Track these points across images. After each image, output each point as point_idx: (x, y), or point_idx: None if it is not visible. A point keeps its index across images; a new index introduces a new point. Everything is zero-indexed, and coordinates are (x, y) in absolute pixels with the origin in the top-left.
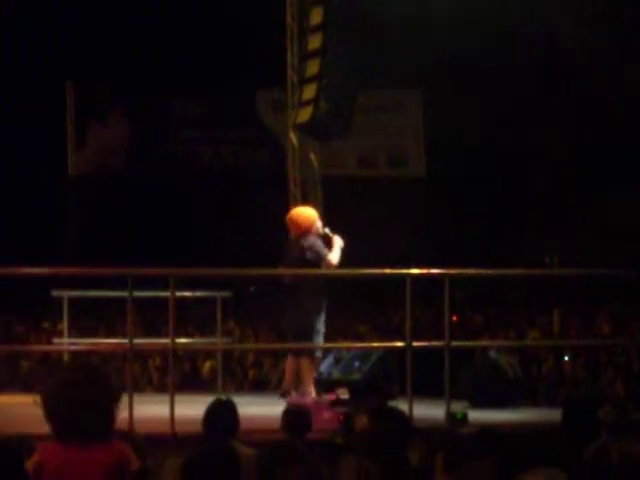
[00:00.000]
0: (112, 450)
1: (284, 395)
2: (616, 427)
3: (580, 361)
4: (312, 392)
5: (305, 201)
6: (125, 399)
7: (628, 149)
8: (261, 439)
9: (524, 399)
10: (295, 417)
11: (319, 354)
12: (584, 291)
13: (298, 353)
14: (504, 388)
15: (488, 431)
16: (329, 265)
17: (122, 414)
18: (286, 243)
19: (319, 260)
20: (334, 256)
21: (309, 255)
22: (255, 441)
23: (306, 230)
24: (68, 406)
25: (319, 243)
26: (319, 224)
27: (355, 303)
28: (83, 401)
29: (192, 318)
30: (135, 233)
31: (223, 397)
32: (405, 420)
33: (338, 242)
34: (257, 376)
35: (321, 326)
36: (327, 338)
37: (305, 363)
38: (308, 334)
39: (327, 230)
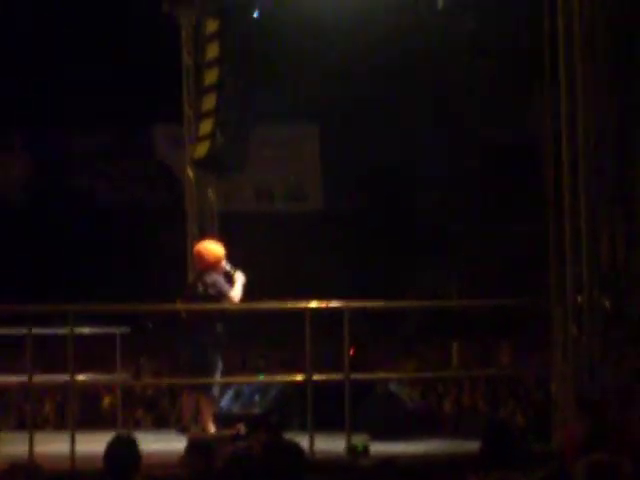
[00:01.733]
0: None
1: (182, 430)
2: (516, 456)
3: (480, 393)
4: (211, 429)
5: (202, 236)
6: (23, 437)
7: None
8: (161, 475)
9: (425, 431)
10: (200, 452)
11: (216, 392)
12: (483, 323)
13: (195, 389)
14: (405, 420)
15: (389, 461)
16: (231, 302)
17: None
18: (190, 276)
19: (220, 297)
20: (236, 292)
21: (211, 291)
22: (156, 477)
23: (211, 265)
24: None
25: (221, 280)
26: (224, 262)
27: (255, 338)
28: None
29: (91, 354)
30: (33, 268)
31: (123, 433)
32: (298, 451)
33: (240, 278)
34: (156, 413)
35: (219, 362)
36: (227, 372)
37: (203, 400)
38: (206, 370)
39: (229, 267)
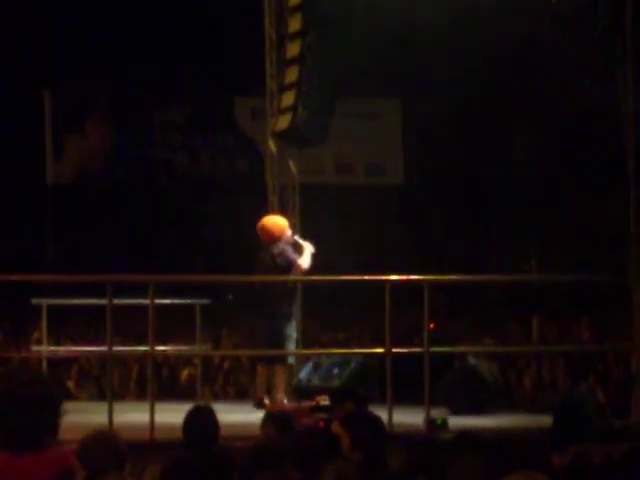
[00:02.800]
0: (52, 460)
1: (259, 404)
2: (597, 432)
3: (559, 368)
4: (283, 399)
5: (283, 208)
6: (104, 406)
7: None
8: (240, 446)
9: (503, 405)
10: (278, 421)
11: (292, 360)
12: (564, 298)
13: (270, 361)
14: (483, 394)
15: (468, 434)
16: (299, 269)
17: (102, 420)
18: (257, 251)
19: (289, 266)
20: (304, 261)
21: (279, 261)
22: (235, 448)
23: (276, 238)
24: (1, 413)
25: (289, 249)
26: (289, 232)
27: (334, 309)
28: (18, 407)
29: (171, 325)
30: (115, 240)
31: (202, 404)
32: (380, 425)
33: (309, 248)
34: (236, 384)
35: (292, 332)
36: (306, 345)
37: (277, 370)
38: (279, 341)
39: (297, 237)
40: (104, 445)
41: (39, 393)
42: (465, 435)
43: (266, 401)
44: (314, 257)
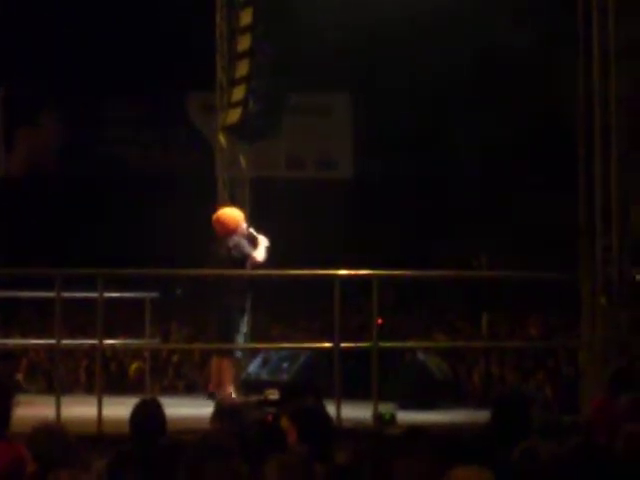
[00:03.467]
0: (2, 451)
1: (212, 395)
2: (544, 428)
3: (509, 364)
4: (231, 392)
5: (233, 202)
6: (52, 400)
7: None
8: (189, 440)
9: (452, 401)
10: (226, 415)
11: (239, 354)
12: (514, 294)
13: (222, 353)
14: (432, 390)
15: (417, 429)
16: (254, 262)
17: (50, 413)
18: (210, 244)
19: (243, 258)
20: (259, 254)
21: (234, 253)
22: (182, 441)
23: (232, 230)
24: None
25: (244, 242)
26: (244, 225)
27: (283, 304)
28: None
29: (120, 320)
30: (64, 233)
31: (149, 397)
32: (328, 419)
33: (263, 241)
34: (185, 378)
35: (244, 326)
36: (255, 339)
37: (224, 363)
38: (229, 334)
39: (252, 230)
40: (54, 438)
41: None
42: (413, 430)
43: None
44: (268, 251)
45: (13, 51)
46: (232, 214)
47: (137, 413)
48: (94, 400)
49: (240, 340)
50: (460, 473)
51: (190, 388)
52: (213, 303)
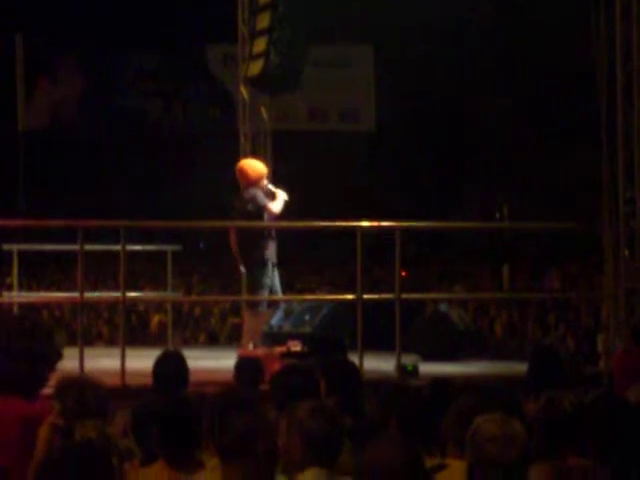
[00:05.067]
0: (34, 406)
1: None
2: (568, 379)
3: (530, 316)
4: (250, 346)
5: (255, 154)
6: (75, 352)
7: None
8: (212, 391)
9: (474, 352)
10: (246, 368)
11: (263, 308)
12: (535, 246)
13: (249, 307)
14: (454, 341)
15: (444, 382)
16: (270, 214)
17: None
18: (235, 199)
19: (260, 211)
20: (275, 205)
21: (250, 207)
22: (206, 393)
23: (253, 181)
24: None
25: (260, 194)
26: (265, 180)
27: (306, 256)
28: (14, 353)
29: (142, 272)
30: (86, 186)
31: (171, 349)
32: (356, 372)
33: (281, 194)
34: (206, 331)
35: (266, 280)
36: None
37: (246, 316)
38: (252, 288)
39: (271, 186)
40: (85, 390)
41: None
42: (441, 382)
43: (250, 346)
44: (287, 204)
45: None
46: (254, 165)
47: (160, 365)
48: (116, 352)
49: (263, 294)
50: (486, 422)
51: (212, 340)
52: (238, 257)
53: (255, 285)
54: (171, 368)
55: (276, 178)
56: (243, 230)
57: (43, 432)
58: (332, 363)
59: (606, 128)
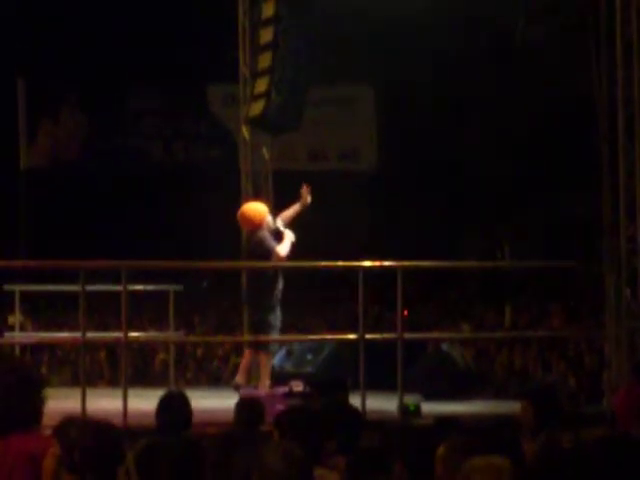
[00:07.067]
0: (36, 440)
1: (237, 388)
2: (568, 417)
3: (531, 355)
4: (267, 385)
5: (257, 195)
6: (76, 393)
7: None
8: (214, 432)
9: (475, 392)
10: (248, 409)
11: (274, 349)
12: (536, 286)
13: (255, 347)
14: (456, 380)
15: (449, 420)
16: (277, 257)
17: (75, 407)
18: (244, 243)
19: (267, 254)
20: (282, 248)
21: (258, 250)
22: (208, 434)
23: (257, 225)
24: None
25: (267, 237)
26: (269, 218)
27: (307, 296)
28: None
29: (144, 312)
30: (87, 226)
31: (175, 390)
32: (358, 415)
33: (289, 235)
34: (208, 371)
35: (276, 321)
36: (280, 331)
37: (262, 358)
38: (263, 329)
39: (279, 223)
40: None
41: (17, 376)
42: (447, 421)
43: (244, 387)
44: (294, 245)
45: (34, 42)
46: (256, 208)
47: (163, 405)
48: (117, 393)
49: (275, 334)
50: (476, 462)
51: (214, 381)
52: (246, 299)
53: (266, 327)
54: (174, 409)
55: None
56: (252, 272)
57: (48, 464)
58: (333, 406)
59: (607, 167)
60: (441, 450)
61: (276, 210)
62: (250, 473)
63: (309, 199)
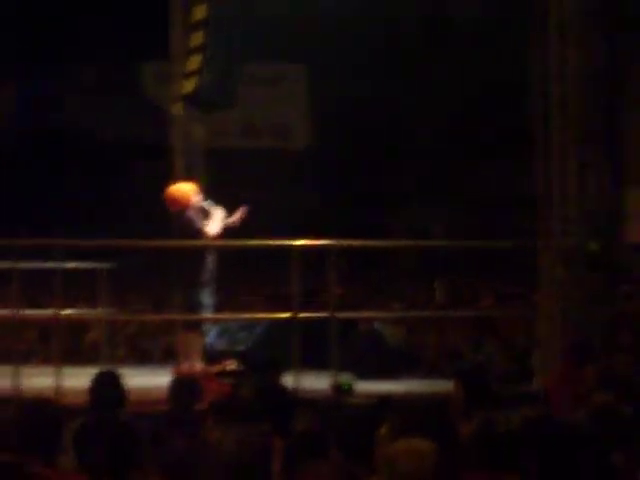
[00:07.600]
0: None
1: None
2: (500, 398)
3: (462, 333)
4: (199, 366)
5: (189, 173)
6: (6, 371)
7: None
8: (150, 410)
9: (407, 370)
10: (185, 388)
11: (206, 328)
12: (468, 264)
13: (187, 327)
14: (388, 359)
15: (384, 401)
16: (206, 236)
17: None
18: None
19: (197, 234)
20: (211, 227)
21: (188, 231)
22: (144, 413)
23: (183, 206)
24: None
25: (194, 217)
26: (197, 197)
27: (240, 274)
28: None
29: (75, 290)
30: (19, 204)
31: (108, 369)
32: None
33: (217, 214)
34: (140, 350)
35: (208, 299)
36: (213, 310)
37: (191, 337)
38: (194, 308)
39: (207, 203)
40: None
41: None
42: (381, 401)
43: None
44: (224, 222)
45: None
46: (181, 189)
47: (97, 384)
48: (50, 370)
49: (208, 314)
50: (400, 445)
51: (145, 358)
52: (178, 277)
53: (196, 305)
54: (108, 388)
55: (210, 196)
56: (182, 251)
57: None
58: (264, 387)
59: (541, 144)
60: (383, 431)
61: (209, 188)
62: (188, 452)
63: (237, 221)
